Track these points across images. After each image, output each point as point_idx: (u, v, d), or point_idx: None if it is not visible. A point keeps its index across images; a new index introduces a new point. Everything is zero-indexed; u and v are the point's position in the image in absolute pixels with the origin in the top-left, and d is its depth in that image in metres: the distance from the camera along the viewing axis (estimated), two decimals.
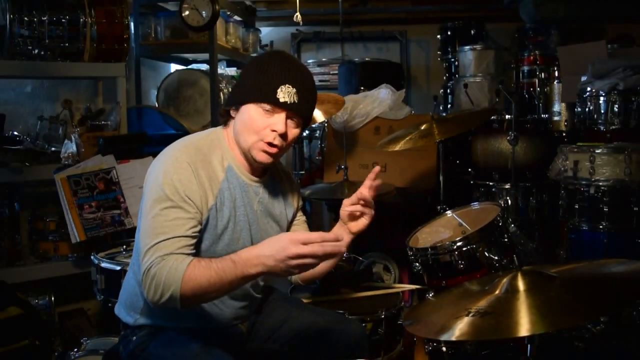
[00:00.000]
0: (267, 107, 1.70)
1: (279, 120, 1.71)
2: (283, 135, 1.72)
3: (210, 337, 1.75)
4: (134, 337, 1.79)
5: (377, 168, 1.89)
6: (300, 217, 2.03)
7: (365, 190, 1.86)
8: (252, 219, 1.82)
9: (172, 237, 1.60)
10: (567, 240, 3.01)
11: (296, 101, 1.71)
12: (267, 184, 1.87)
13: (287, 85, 1.69)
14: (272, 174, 1.91)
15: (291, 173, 2.08)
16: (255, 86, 1.71)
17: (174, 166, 1.67)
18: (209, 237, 1.73)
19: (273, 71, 1.71)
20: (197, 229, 1.67)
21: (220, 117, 1.84)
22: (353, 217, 1.89)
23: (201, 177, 1.70)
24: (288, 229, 1.97)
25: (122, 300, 1.88)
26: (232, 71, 4.88)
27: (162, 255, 1.57)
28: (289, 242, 1.51)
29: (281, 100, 1.69)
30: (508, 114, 3.37)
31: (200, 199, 1.68)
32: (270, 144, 1.72)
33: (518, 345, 2.18)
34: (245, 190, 1.80)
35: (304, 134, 4.28)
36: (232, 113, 1.78)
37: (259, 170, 1.83)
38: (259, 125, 1.71)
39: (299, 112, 1.74)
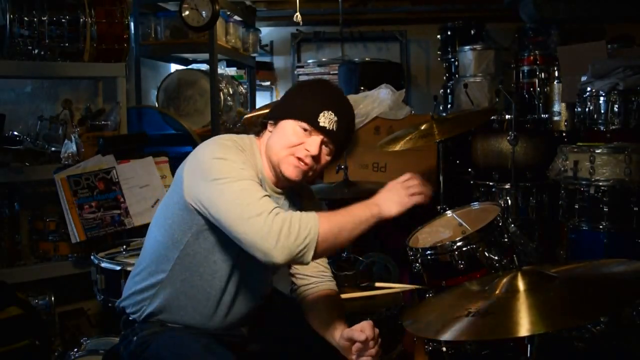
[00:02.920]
0: (306, 127, 1.72)
1: (314, 142, 1.72)
2: (315, 158, 1.73)
3: (212, 337, 1.76)
4: (135, 337, 1.79)
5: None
6: None
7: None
8: None
9: (274, 208, 1.57)
10: (567, 240, 3.02)
11: (335, 129, 1.72)
12: (288, 198, 1.86)
13: (329, 111, 1.72)
14: (293, 189, 1.90)
15: (312, 190, 2.07)
16: (298, 104, 1.74)
17: (229, 149, 1.68)
18: None
19: (319, 95, 1.75)
20: None
21: (255, 127, 1.85)
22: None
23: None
24: None
25: (127, 293, 1.87)
26: (232, 71, 4.89)
27: (275, 215, 1.55)
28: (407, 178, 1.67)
29: (321, 124, 1.71)
30: (508, 114, 3.38)
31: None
32: (301, 160, 1.72)
33: (518, 345, 2.18)
34: None
35: None
36: (269, 127, 1.80)
37: (282, 184, 1.83)
38: (293, 142, 1.72)
39: (335, 141, 1.75)
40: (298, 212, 1.59)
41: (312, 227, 1.54)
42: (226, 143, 1.71)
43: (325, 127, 1.71)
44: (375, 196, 1.65)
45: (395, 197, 1.63)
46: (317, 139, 1.72)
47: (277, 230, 1.52)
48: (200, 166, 1.67)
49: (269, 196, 1.63)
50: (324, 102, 1.73)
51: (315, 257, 1.56)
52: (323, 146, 1.74)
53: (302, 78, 5.53)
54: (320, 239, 1.54)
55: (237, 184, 1.59)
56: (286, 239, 1.52)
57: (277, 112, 1.80)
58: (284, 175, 1.75)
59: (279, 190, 1.83)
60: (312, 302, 1.92)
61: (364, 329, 1.68)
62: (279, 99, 1.89)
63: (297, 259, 1.54)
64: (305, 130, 1.72)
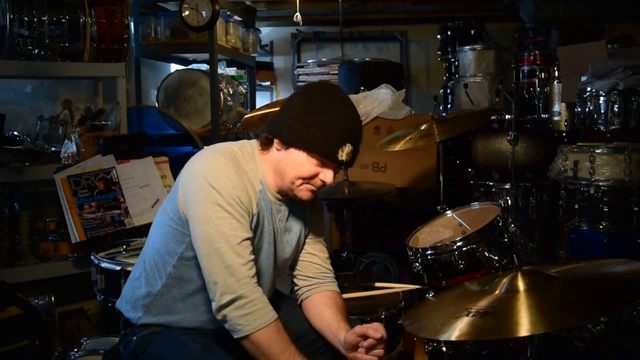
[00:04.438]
0: (324, 160, 1.70)
1: (329, 174, 1.72)
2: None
3: (211, 338, 1.75)
4: (135, 337, 1.79)
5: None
6: (316, 238, 1.97)
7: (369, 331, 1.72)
8: (276, 234, 1.83)
9: (248, 262, 1.65)
10: (567, 240, 3.02)
11: (350, 159, 1.72)
12: (289, 204, 1.86)
13: (348, 145, 1.69)
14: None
15: (316, 196, 2.03)
16: (315, 136, 1.67)
17: (223, 171, 1.67)
18: None
19: (336, 125, 1.68)
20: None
21: (258, 138, 1.81)
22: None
23: (246, 185, 1.71)
24: (302, 247, 1.96)
25: (126, 296, 1.88)
26: (232, 71, 4.89)
27: (252, 287, 1.64)
28: None
29: (339, 159, 1.69)
30: (508, 114, 3.37)
31: (247, 206, 1.70)
32: (316, 187, 1.75)
33: (518, 345, 2.18)
34: (270, 206, 1.81)
35: None
36: (277, 144, 1.75)
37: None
38: (309, 173, 1.71)
39: (347, 166, 1.77)
40: (261, 306, 1.64)
41: (252, 328, 1.61)
42: (222, 160, 1.69)
43: (343, 161, 1.70)
44: None
45: None
46: (332, 170, 1.73)
47: (234, 297, 1.61)
48: (191, 180, 1.68)
49: (248, 239, 1.67)
50: (343, 134, 1.68)
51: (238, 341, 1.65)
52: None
53: (302, 78, 5.52)
54: (248, 340, 1.63)
55: (222, 221, 1.63)
56: (231, 311, 1.62)
57: (290, 136, 1.71)
58: (297, 198, 1.77)
59: (281, 197, 1.82)
60: (314, 302, 1.92)
61: (378, 329, 1.70)
62: (279, 99, 1.84)
63: (226, 327, 1.65)
64: (320, 161, 1.71)
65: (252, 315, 1.62)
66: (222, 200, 1.63)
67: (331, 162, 1.70)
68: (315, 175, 1.72)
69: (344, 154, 1.68)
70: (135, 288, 1.84)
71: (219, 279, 1.62)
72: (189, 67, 4.54)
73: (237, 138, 3.93)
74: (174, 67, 4.66)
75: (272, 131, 1.76)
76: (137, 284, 1.84)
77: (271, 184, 1.79)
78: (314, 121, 1.68)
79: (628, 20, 4.86)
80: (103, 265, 2.41)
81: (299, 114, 1.71)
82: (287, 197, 1.83)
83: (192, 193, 1.66)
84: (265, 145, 1.79)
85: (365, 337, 1.70)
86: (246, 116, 3.24)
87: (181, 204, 1.69)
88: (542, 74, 4.16)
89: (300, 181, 1.73)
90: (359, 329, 1.72)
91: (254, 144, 1.82)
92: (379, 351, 1.71)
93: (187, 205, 1.67)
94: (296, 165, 1.71)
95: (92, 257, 2.50)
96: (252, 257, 1.67)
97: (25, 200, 2.96)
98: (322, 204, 2.05)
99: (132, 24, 3.74)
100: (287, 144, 1.72)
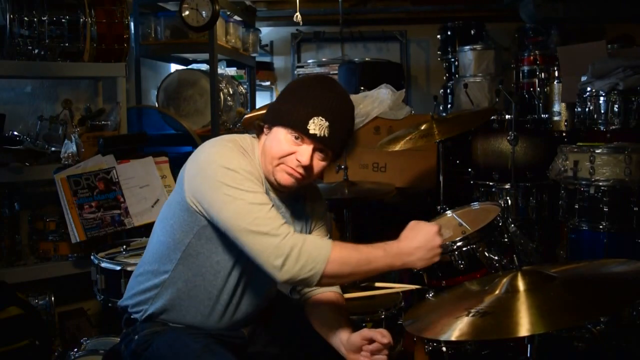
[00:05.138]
0: (297, 134, 1.68)
1: (305, 152, 1.68)
2: (307, 167, 1.70)
3: (213, 337, 1.76)
4: (136, 336, 1.79)
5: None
6: (320, 227, 1.96)
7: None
8: None
9: (283, 224, 1.60)
10: (567, 240, 3.02)
11: (326, 135, 1.67)
12: (286, 200, 1.84)
13: (320, 117, 1.66)
14: (298, 190, 1.85)
15: (317, 188, 2.00)
16: (289, 111, 1.68)
17: (232, 152, 1.67)
18: None
19: (310, 100, 1.68)
20: None
21: (254, 129, 1.82)
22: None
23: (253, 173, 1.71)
24: None
25: (130, 293, 1.87)
26: (232, 71, 4.89)
27: (294, 236, 1.57)
28: (435, 234, 1.63)
29: (311, 132, 1.66)
30: (508, 114, 3.38)
31: (260, 183, 1.70)
32: (293, 169, 1.70)
33: (518, 345, 2.18)
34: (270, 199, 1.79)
35: None
36: (265, 130, 1.76)
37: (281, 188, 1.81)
38: (285, 151, 1.69)
39: (328, 147, 1.71)
40: (312, 240, 1.59)
41: (320, 262, 1.55)
42: (229, 145, 1.70)
43: (316, 135, 1.66)
44: (408, 244, 1.62)
45: (428, 255, 1.62)
46: (308, 147, 1.68)
47: (285, 255, 1.54)
48: (202, 168, 1.67)
49: (273, 205, 1.63)
50: (314, 107, 1.67)
51: (318, 286, 1.60)
52: (317, 152, 1.71)
53: None
54: (325, 275, 1.56)
55: (246, 195, 1.60)
56: (292, 266, 1.54)
57: (271, 117, 1.75)
58: (278, 183, 1.74)
59: (277, 192, 1.81)
60: (316, 303, 1.91)
61: (385, 335, 1.69)
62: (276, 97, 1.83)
63: (298, 285, 1.60)
64: (296, 137, 1.68)
65: (312, 258, 1.56)
66: (239, 178, 1.62)
67: (304, 136, 1.67)
68: (292, 154, 1.69)
69: (315, 126, 1.66)
70: (140, 283, 1.83)
71: (265, 248, 1.57)
72: (189, 67, 4.54)
73: None
74: (174, 67, 4.66)
75: (263, 120, 1.79)
76: (141, 279, 1.84)
77: (267, 179, 1.79)
78: (290, 98, 1.72)
79: (628, 20, 4.86)
80: (103, 265, 2.41)
81: (280, 98, 1.77)
82: (287, 193, 1.82)
83: (206, 181, 1.64)
84: (258, 134, 1.80)
85: (371, 341, 1.69)
86: (246, 116, 3.24)
87: (189, 195, 1.68)
88: (542, 74, 4.16)
89: (277, 161, 1.71)
90: (367, 332, 1.71)
91: (253, 138, 1.83)
92: (382, 357, 1.70)
93: (202, 195, 1.65)
94: (274, 143, 1.71)
95: (92, 257, 2.49)
96: (283, 220, 1.63)
97: (25, 200, 2.96)
98: (325, 204, 2.03)
99: (132, 24, 3.74)
100: (267, 122, 1.75)
